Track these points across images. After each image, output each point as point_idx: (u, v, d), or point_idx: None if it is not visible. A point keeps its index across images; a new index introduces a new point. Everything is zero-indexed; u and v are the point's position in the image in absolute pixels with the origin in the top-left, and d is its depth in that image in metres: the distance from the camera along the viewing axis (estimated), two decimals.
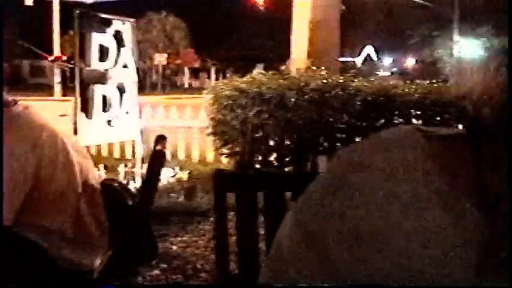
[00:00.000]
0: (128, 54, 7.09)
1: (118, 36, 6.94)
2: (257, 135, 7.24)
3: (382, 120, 7.28)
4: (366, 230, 0.95)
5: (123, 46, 6.99)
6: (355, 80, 7.41)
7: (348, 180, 1.00)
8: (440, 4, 29.53)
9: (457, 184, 1.01)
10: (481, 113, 1.00)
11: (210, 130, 7.94)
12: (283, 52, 9.53)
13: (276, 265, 1.11)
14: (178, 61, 50.11)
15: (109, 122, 6.83)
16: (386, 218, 0.95)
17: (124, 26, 7.09)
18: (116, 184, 2.73)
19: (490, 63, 1.01)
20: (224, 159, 8.54)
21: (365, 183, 0.98)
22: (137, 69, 7.40)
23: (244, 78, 7.70)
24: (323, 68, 7.62)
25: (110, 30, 6.83)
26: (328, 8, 9.16)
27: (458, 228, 0.99)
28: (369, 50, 43.56)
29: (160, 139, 2.74)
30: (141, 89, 8.96)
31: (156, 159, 2.64)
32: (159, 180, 2.83)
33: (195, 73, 52.17)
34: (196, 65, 51.17)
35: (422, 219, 0.95)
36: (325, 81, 7.07)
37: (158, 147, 2.71)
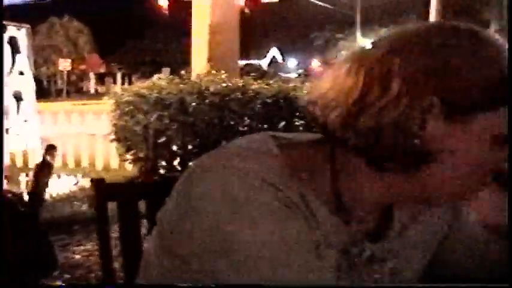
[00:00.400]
0: (23, 61, 6.94)
1: (13, 42, 6.78)
2: (160, 141, 7.24)
3: (283, 123, 7.39)
4: (219, 240, 0.95)
5: (19, 53, 6.84)
6: (255, 83, 7.49)
7: (198, 190, 0.99)
8: (343, 8, 30.27)
9: (313, 191, 1.04)
10: (327, 117, 1.02)
11: (112, 136, 7.88)
12: (189, 56, 9.50)
13: (143, 275, 1.15)
14: (83, 66, 49.16)
15: (6, 130, 6.67)
16: (240, 228, 0.95)
17: (19, 32, 6.93)
18: (9, 194, 2.70)
19: (341, 68, 1.04)
20: (128, 166, 8.48)
21: (216, 194, 0.97)
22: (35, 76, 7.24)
23: (145, 84, 7.69)
24: (223, 71, 7.68)
25: (5, 37, 6.66)
26: (227, 12, 9.19)
27: (315, 234, 1.02)
28: (275, 52, 44.11)
29: (50, 149, 2.73)
30: (46, 95, 8.76)
31: (42, 170, 2.63)
32: (44, 190, 2.81)
33: (101, 78, 51.28)
34: (102, 70, 50.34)
35: (277, 228, 0.96)
36: (224, 84, 7.13)
37: (47, 157, 2.70)
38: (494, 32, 1.04)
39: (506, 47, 1.01)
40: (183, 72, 7.91)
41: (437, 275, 1.37)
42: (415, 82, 0.96)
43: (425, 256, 1.26)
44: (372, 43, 1.04)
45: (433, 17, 18.59)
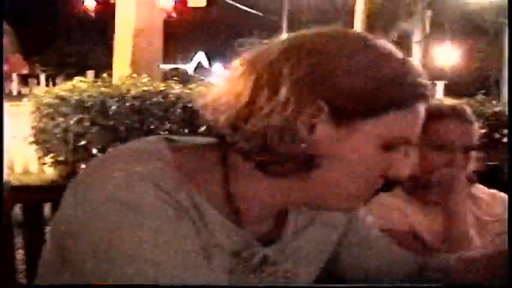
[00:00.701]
0: None
1: None
2: (80, 144, 7.15)
3: (204, 127, 7.41)
4: (106, 243, 0.94)
5: None
6: (176, 87, 7.49)
7: (87, 193, 0.98)
8: (270, 14, 30.44)
9: (204, 194, 1.04)
10: (218, 120, 1.03)
11: (31, 139, 7.73)
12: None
13: (39, 280, 1.13)
14: (5, 67, 47.75)
15: None
16: (126, 230, 0.94)
17: None
18: None
19: (234, 72, 1.05)
20: (48, 169, 8.33)
21: (103, 196, 0.96)
22: None
23: (66, 86, 7.58)
24: (145, 75, 7.64)
25: None
26: (151, 16, 9.13)
27: (205, 237, 1.03)
28: (201, 56, 43.92)
29: None
30: None
31: None
32: None
33: (24, 80, 49.94)
34: (25, 71, 49.01)
35: (163, 230, 0.95)
36: (145, 88, 7.10)
37: None
38: (387, 41, 1.07)
39: (398, 55, 1.04)
40: (104, 75, 7.83)
41: (336, 276, 1.40)
42: (303, 87, 0.98)
43: (321, 259, 1.29)
44: (265, 48, 1.06)
45: (357, 26, 18.96)
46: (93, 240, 0.95)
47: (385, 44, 1.05)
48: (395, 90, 1.01)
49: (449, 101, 1.84)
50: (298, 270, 1.20)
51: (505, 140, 8.01)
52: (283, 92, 0.98)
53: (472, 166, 1.82)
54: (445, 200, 1.74)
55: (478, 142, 1.83)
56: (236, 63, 1.06)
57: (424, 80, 1.06)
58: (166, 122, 7.00)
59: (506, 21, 24.33)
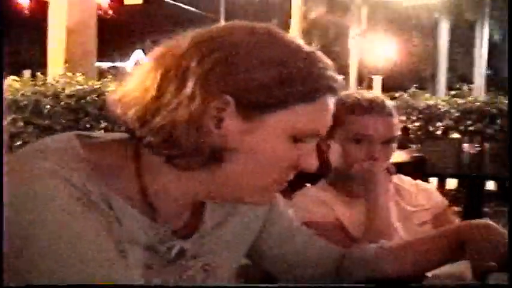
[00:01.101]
0: None
1: None
2: (15, 144, 7.01)
3: None
4: (21, 239, 0.93)
5: None
6: (111, 85, 7.42)
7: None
8: (208, 11, 30.46)
9: (116, 190, 1.03)
10: (126, 115, 1.03)
11: None
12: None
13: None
14: None
15: None
16: (38, 226, 0.93)
17: None
18: None
19: (144, 66, 1.05)
20: None
21: (15, 193, 0.95)
22: None
23: None
24: (80, 73, 7.55)
25: None
26: (84, 13, 9.02)
27: (118, 232, 1.01)
28: (139, 54, 43.54)
29: None
30: None
31: None
32: None
33: None
34: None
35: (74, 226, 0.94)
36: (80, 87, 7.02)
37: None
38: (295, 36, 1.09)
39: (305, 49, 1.06)
40: (38, 73, 7.70)
41: (260, 267, 1.43)
42: (209, 81, 0.98)
43: (241, 251, 1.30)
44: (174, 43, 1.06)
45: (295, 23, 19.13)
46: (9, 237, 0.94)
47: (293, 38, 1.07)
48: (302, 83, 1.02)
49: (369, 94, 1.87)
50: (218, 262, 1.21)
51: (438, 132, 8.22)
52: (190, 86, 0.98)
53: (391, 158, 1.86)
54: (366, 192, 1.77)
55: (398, 134, 1.87)
56: (146, 58, 1.07)
57: (332, 73, 1.07)
58: (102, 121, 6.93)
59: (441, 17, 24.90)
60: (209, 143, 1.00)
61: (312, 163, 1.11)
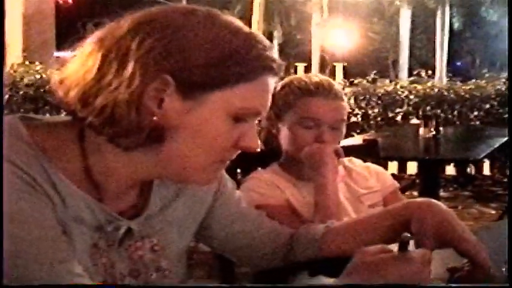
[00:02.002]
0: None
1: None
2: None
3: None
4: None
5: None
6: None
7: None
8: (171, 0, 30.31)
9: (61, 170, 1.04)
10: (67, 96, 1.05)
11: None
12: None
13: None
14: None
15: None
16: None
17: None
18: None
19: (85, 49, 1.06)
20: None
21: None
22: None
23: None
24: (38, 62, 7.46)
25: None
26: (41, 2, 8.91)
27: (63, 212, 1.03)
28: None
29: None
30: None
31: None
32: None
33: None
34: None
35: (18, 207, 0.96)
36: (39, 76, 6.94)
37: None
38: (235, 18, 1.10)
39: (244, 30, 1.08)
40: None
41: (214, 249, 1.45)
42: (149, 62, 1.00)
43: (190, 231, 1.31)
44: (115, 25, 1.06)
45: (256, 9, 19.12)
46: None
47: (232, 19, 1.09)
48: (241, 63, 1.05)
49: (317, 77, 1.89)
50: (167, 243, 1.22)
51: (398, 118, 8.30)
52: (130, 67, 1.00)
53: (340, 140, 1.88)
54: (314, 174, 1.79)
55: (346, 118, 1.89)
56: (88, 41, 1.07)
57: (271, 53, 1.09)
58: (62, 110, 6.82)
59: (402, 4, 25.11)
60: (150, 122, 1.02)
61: (253, 143, 1.12)
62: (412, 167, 7.30)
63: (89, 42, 1.07)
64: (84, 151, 1.08)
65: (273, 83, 1.11)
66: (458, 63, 29.63)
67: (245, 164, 1.98)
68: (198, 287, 1.05)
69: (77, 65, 1.05)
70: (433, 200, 1.34)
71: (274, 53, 1.11)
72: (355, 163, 2.03)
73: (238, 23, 1.09)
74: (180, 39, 1.02)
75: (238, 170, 2.03)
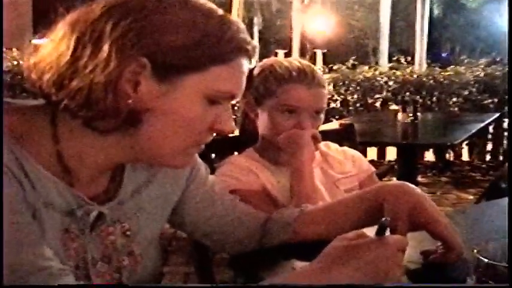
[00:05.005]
0: None
1: None
2: None
3: None
4: None
5: None
6: None
7: None
8: None
9: (31, 155, 1.04)
10: (41, 80, 1.04)
11: None
12: None
13: None
14: None
15: None
16: None
17: None
18: None
19: (58, 32, 1.05)
20: None
21: None
22: None
23: None
24: (15, 49, 7.38)
25: None
26: None
27: (33, 197, 1.02)
28: None
29: None
30: None
31: None
32: None
33: None
34: None
35: None
36: (16, 62, 6.88)
37: None
38: (208, 1, 1.10)
39: (218, 12, 1.08)
40: None
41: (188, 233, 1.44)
42: (124, 44, 1.00)
43: (163, 216, 1.31)
44: (88, 8, 1.06)
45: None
46: None
47: (206, 2, 1.09)
48: (215, 45, 1.05)
49: (299, 63, 1.87)
50: (139, 228, 1.22)
51: (377, 104, 8.33)
52: (105, 50, 0.99)
53: (318, 126, 1.88)
54: (291, 158, 1.79)
55: (325, 104, 1.88)
56: (60, 24, 1.06)
57: (245, 36, 1.10)
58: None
59: None
60: (126, 105, 1.02)
61: (228, 125, 1.13)
62: (391, 153, 7.33)
63: (61, 26, 1.06)
64: (56, 135, 1.07)
65: (247, 64, 1.12)
66: (438, 51, 29.76)
67: (220, 149, 1.97)
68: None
69: (50, 48, 1.05)
70: (406, 183, 1.35)
71: (248, 35, 1.11)
72: (331, 148, 2.03)
73: (212, 5, 1.09)
74: (154, 21, 1.02)
75: (213, 156, 2.03)
